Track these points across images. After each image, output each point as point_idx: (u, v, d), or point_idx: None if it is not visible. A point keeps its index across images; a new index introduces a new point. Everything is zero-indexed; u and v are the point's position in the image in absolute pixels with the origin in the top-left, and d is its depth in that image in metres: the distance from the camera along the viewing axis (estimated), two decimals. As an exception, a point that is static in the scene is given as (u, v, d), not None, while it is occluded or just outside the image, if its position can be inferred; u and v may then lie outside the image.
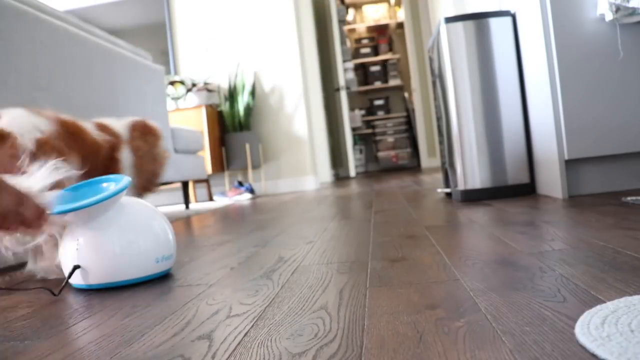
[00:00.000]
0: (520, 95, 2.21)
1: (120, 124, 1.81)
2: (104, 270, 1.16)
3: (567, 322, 0.66)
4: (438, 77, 2.41)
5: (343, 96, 6.00)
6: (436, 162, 6.43)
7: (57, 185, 1.13)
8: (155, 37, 4.75)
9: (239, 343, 0.72)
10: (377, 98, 7.39)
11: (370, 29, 7.47)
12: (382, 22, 7.35)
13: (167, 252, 1.25)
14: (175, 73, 4.77)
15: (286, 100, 4.67)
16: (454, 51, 2.22)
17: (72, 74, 2.08)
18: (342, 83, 5.93)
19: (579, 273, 0.90)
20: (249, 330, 0.77)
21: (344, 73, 6.20)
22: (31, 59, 1.82)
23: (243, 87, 4.55)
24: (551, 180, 2.03)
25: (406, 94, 7.35)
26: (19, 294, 1.20)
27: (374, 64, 7.33)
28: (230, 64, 4.70)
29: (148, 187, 1.87)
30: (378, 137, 7.19)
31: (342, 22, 6.66)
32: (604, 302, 0.71)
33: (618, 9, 1.81)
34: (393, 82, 7.28)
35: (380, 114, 7.34)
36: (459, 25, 2.22)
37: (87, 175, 1.46)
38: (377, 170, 7.28)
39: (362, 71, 7.37)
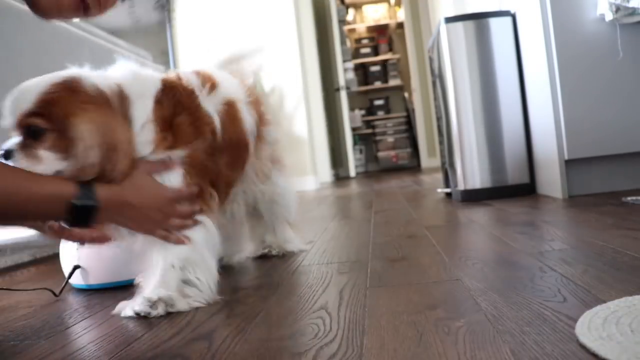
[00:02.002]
0: (520, 95, 2.21)
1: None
2: (104, 270, 1.16)
3: (567, 322, 0.66)
4: (438, 77, 2.41)
5: (343, 96, 5.99)
6: (436, 162, 6.42)
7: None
8: (155, 37, 4.75)
9: (238, 343, 0.72)
10: (377, 98, 7.38)
11: (370, 29, 7.46)
12: (382, 22, 7.34)
13: (167, 252, 1.24)
14: (175, 73, 4.78)
15: (286, 100, 4.67)
16: (454, 51, 2.22)
17: (72, 74, 2.08)
18: (342, 83, 5.92)
19: (579, 273, 0.90)
20: (249, 330, 0.77)
21: (344, 73, 6.19)
22: (32, 59, 1.82)
23: (243, 87, 4.55)
24: (551, 180, 2.03)
25: (406, 94, 7.34)
26: (19, 294, 1.20)
27: (374, 64, 7.32)
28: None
29: None
30: (378, 137, 7.18)
31: (342, 22, 6.65)
32: (604, 302, 0.71)
33: (618, 9, 1.81)
34: (393, 82, 7.27)
35: (380, 114, 7.33)
36: (459, 25, 2.21)
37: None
38: (377, 170, 7.27)
39: (362, 71, 7.36)
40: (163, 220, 0.95)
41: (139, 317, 0.90)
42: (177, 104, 0.99)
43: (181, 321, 0.86)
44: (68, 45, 2.06)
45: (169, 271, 0.95)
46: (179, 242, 0.96)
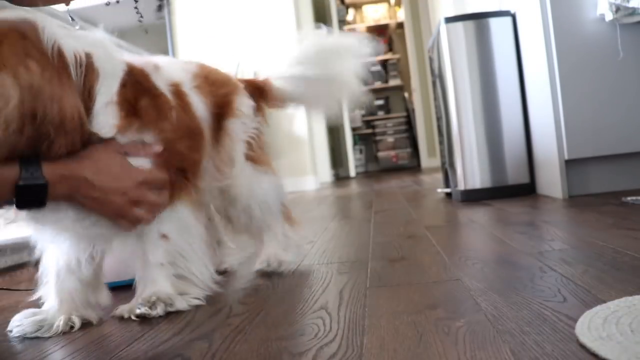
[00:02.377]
0: (520, 95, 2.21)
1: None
2: (105, 271, 1.16)
3: (567, 322, 0.66)
4: (438, 77, 2.41)
5: (343, 96, 5.99)
6: (436, 162, 6.42)
7: None
8: (155, 37, 4.75)
9: (238, 343, 0.72)
10: (377, 98, 7.39)
11: (370, 29, 7.46)
12: (382, 22, 7.34)
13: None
14: (175, 73, 4.77)
15: (286, 100, 4.67)
16: (454, 51, 2.22)
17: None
18: (342, 83, 5.92)
19: (579, 273, 0.90)
20: (249, 330, 0.77)
21: (344, 73, 6.18)
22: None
23: (243, 87, 4.54)
24: (551, 180, 2.03)
25: (406, 94, 7.34)
26: (19, 294, 1.20)
27: (374, 64, 7.33)
28: (230, 64, 4.70)
29: None
30: (378, 137, 7.18)
31: (342, 22, 6.65)
32: (604, 302, 0.71)
33: (618, 9, 1.81)
34: (393, 82, 7.27)
35: (380, 114, 7.33)
36: (459, 25, 2.21)
37: None
38: (377, 170, 7.27)
39: (362, 71, 7.37)
40: (127, 207, 0.87)
41: (139, 318, 0.88)
42: (137, 86, 0.91)
43: (181, 321, 0.86)
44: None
45: (159, 269, 0.91)
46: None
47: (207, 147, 1.07)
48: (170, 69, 1.03)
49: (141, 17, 1.32)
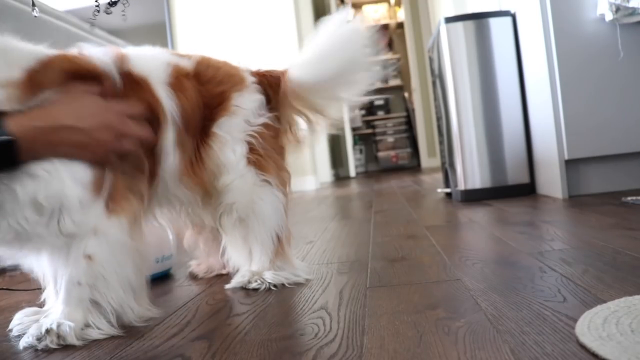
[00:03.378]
0: (520, 95, 2.21)
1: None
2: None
3: (567, 322, 0.66)
4: (438, 77, 2.41)
5: (343, 96, 5.99)
6: (436, 162, 6.43)
7: None
8: (155, 37, 4.75)
9: (238, 343, 0.72)
10: (377, 98, 7.39)
11: (370, 29, 7.48)
12: (382, 22, 7.35)
13: (167, 252, 1.25)
14: (175, 73, 4.77)
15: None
16: (454, 51, 2.22)
17: (72, 74, 2.08)
18: (342, 83, 5.92)
19: (579, 273, 0.90)
20: (249, 330, 0.77)
21: (344, 73, 6.18)
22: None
23: (243, 87, 4.54)
24: (551, 180, 2.03)
25: (406, 94, 7.34)
26: (19, 294, 1.20)
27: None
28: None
29: None
30: (378, 137, 7.18)
31: (342, 22, 6.65)
32: (604, 302, 0.71)
33: (618, 9, 1.81)
34: (393, 82, 7.28)
35: (380, 114, 7.34)
36: (459, 25, 2.21)
37: None
38: (377, 170, 7.27)
39: (362, 71, 7.37)
40: (115, 142, 0.82)
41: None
42: (66, 76, 0.83)
43: (181, 321, 0.86)
44: (67, 45, 2.06)
45: (73, 289, 0.80)
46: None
47: (170, 147, 0.96)
48: (142, 61, 0.95)
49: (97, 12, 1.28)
